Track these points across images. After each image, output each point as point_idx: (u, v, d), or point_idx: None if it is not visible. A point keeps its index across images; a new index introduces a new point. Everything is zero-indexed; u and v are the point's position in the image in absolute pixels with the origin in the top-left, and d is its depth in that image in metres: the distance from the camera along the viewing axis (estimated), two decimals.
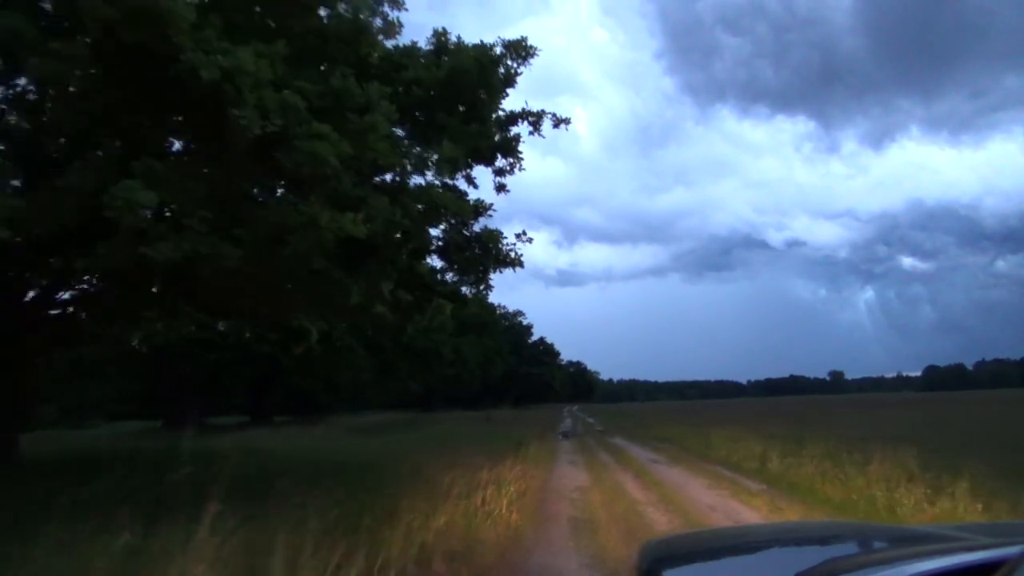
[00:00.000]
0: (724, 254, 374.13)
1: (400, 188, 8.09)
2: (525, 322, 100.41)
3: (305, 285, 7.72)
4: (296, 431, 25.74)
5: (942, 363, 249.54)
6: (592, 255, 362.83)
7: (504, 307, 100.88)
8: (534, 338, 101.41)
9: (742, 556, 1.83)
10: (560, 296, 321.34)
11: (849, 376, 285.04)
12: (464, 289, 12.40)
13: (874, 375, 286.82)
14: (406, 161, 8.13)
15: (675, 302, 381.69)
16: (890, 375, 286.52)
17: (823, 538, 1.95)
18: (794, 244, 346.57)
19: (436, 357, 35.34)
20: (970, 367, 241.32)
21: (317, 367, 35.56)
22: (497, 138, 10.55)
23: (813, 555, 1.53)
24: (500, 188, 11.37)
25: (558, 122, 11.02)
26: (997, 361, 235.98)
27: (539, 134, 11.09)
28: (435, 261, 11.92)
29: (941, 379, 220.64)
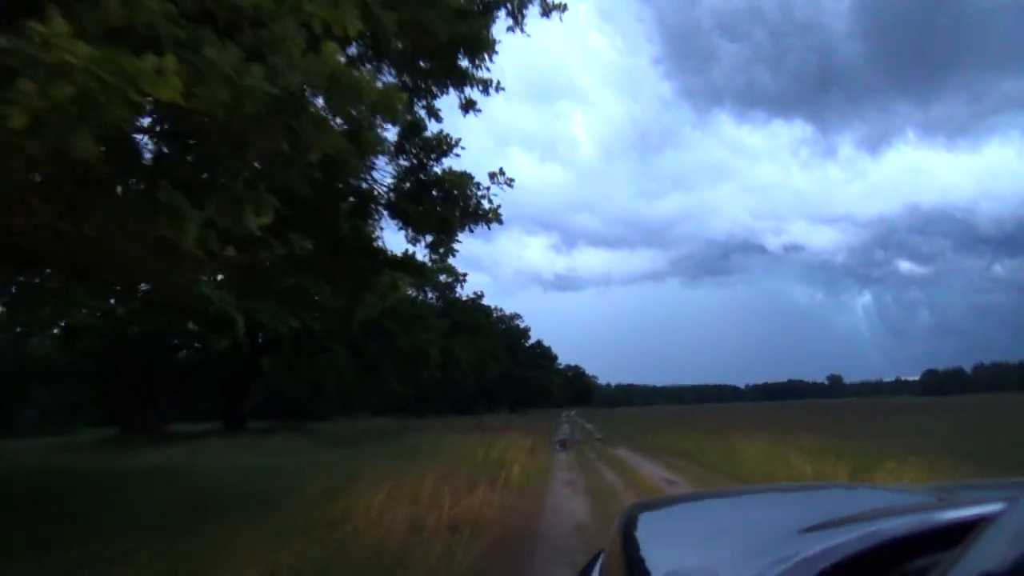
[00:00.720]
0: (722, 259, 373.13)
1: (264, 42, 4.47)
2: (522, 325, 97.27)
3: (99, 204, 4.25)
4: (262, 440, 22.31)
5: (940, 367, 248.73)
6: (591, 260, 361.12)
7: (501, 309, 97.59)
8: (531, 342, 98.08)
9: (721, 508, 1.78)
10: (559, 301, 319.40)
11: (847, 380, 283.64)
12: (421, 254, 8.92)
13: (872, 379, 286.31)
14: None
15: (673, 307, 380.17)
16: (888, 379, 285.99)
17: (805, 494, 1.85)
18: (792, 249, 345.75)
19: (423, 358, 31.79)
20: (969, 371, 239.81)
21: (296, 369, 32.18)
22: (464, 27, 7.13)
23: (796, 510, 1.45)
24: (468, 106, 7.96)
25: (548, 9, 7.61)
26: (996, 365, 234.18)
27: (521, 28, 7.70)
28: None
29: (940, 383, 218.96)
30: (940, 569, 0.74)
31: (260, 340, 30.14)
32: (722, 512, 1.72)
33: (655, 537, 1.47)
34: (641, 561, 1.30)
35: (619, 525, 1.54)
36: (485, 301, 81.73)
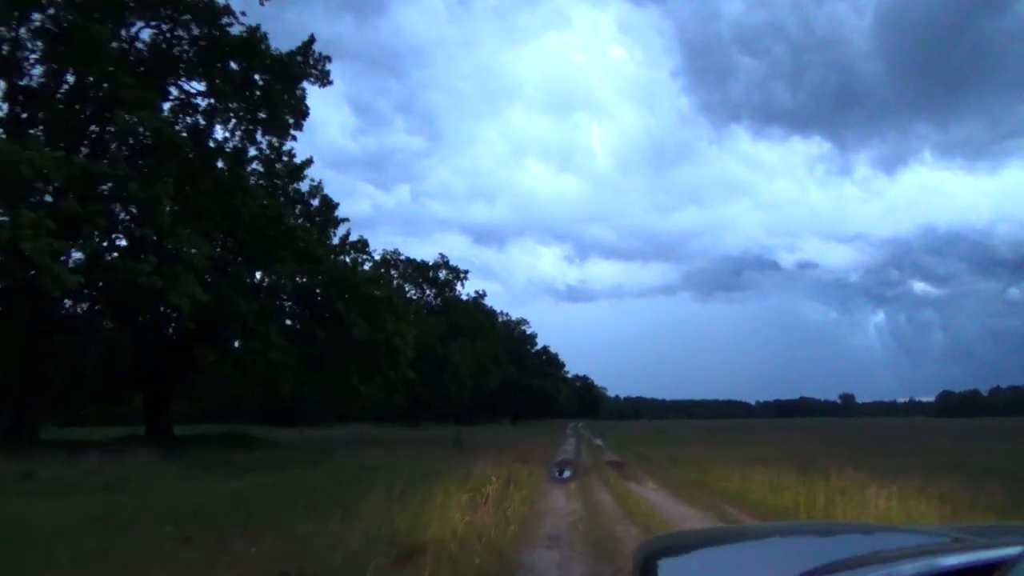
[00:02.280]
0: (735, 274, 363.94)
1: None
2: (528, 331, 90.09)
3: None
4: (162, 458, 15.47)
5: (953, 389, 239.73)
6: (603, 272, 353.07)
7: (506, 314, 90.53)
8: (538, 348, 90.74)
9: (740, 552, 1.71)
10: (569, 312, 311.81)
11: (860, 400, 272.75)
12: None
13: (885, 399, 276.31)
14: None
15: (684, 321, 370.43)
16: (902, 399, 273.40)
17: (822, 537, 1.85)
18: (806, 266, 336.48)
19: (389, 353, 24.81)
20: (985, 393, 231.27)
21: (242, 362, 25.26)
22: None
23: (812, 553, 1.41)
24: None
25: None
26: (1013, 388, 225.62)
27: None
28: None
29: (956, 405, 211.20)
30: None
31: (192, 324, 23.25)
32: (736, 553, 1.67)
33: (670, 570, 1.48)
34: None
35: (637, 559, 1.54)
36: (494, 307, 74.68)
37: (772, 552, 1.60)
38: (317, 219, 26.79)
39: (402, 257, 66.81)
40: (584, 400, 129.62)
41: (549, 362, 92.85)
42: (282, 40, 27.54)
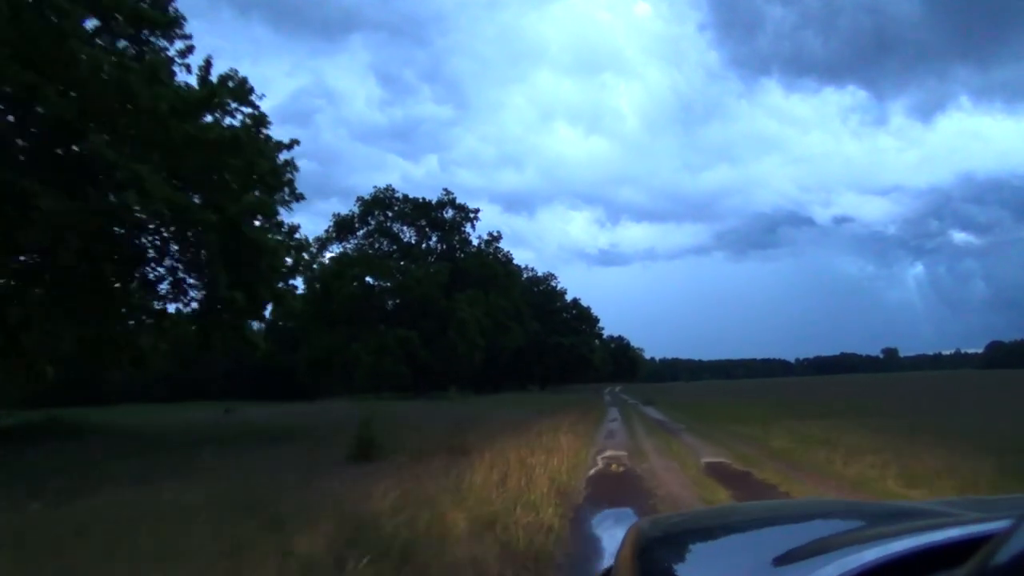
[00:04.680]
0: (769, 232, 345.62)
1: None
2: (558, 287, 76.19)
3: None
4: None
5: (1003, 339, 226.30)
6: (635, 234, 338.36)
7: (532, 269, 76.79)
8: (567, 302, 76.40)
9: (727, 535, 1.65)
10: (603, 276, 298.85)
11: (903, 353, 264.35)
12: None
13: (929, 352, 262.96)
14: None
15: (719, 281, 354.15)
16: (947, 352, 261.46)
17: (809, 516, 1.74)
18: (842, 221, 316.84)
19: (271, 258, 11.88)
20: None
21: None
22: None
23: (800, 533, 1.36)
24: None
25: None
26: None
27: None
28: None
29: (1006, 355, 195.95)
30: None
31: None
32: (725, 532, 1.66)
33: (667, 555, 1.47)
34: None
35: (629, 540, 1.55)
36: (516, 259, 60.81)
37: (762, 530, 1.56)
38: None
39: (398, 194, 53.71)
40: (619, 362, 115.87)
41: (580, 317, 78.21)
42: None
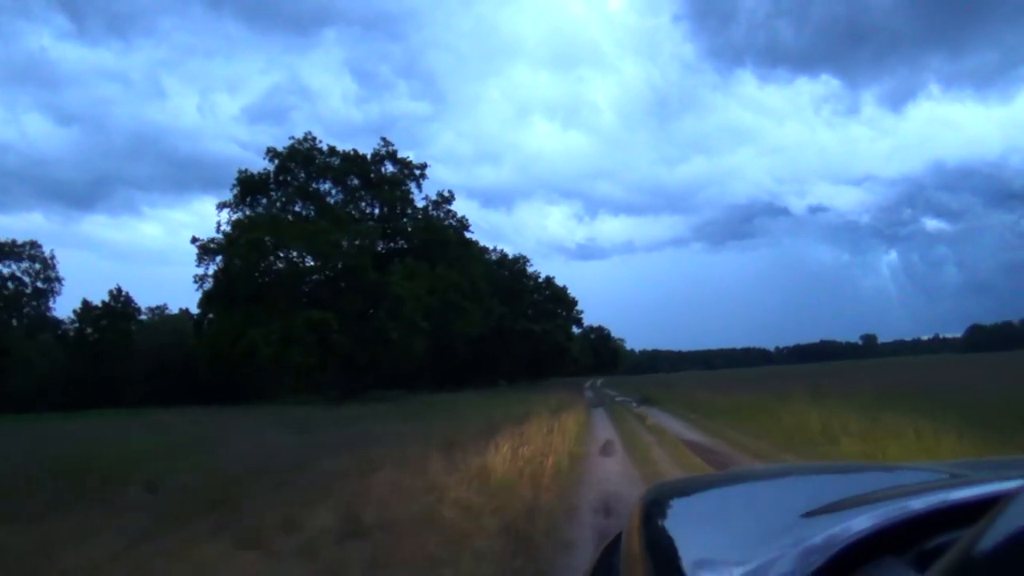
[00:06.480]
0: (745, 222, 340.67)
1: None
2: (530, 269, 64.85)
3: None
4: None
5: (983, 322, 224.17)
6: (613, 228, 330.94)
7: (501, 250, 65.54)
8: (539, 281, 64.66)
9: (741, 494, 1.62)
10: (581, 270, 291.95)
11: (882, 340, 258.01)
12: None
13: (907, 338, 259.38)
14: None
15: (697, 272, 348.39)
16: (926, 337, 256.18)
17: (820, 475, 1.76)
18: (816, 210, 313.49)
19: None
20: (1017, 323, 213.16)
21: None
22: None
23: (814, 493, 1.33)
24: None
25: None
26: None
27: None
28: None
29: (987, 339, 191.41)
30: (957, 547, 0.72)
31: None
32: (737, 495, 1.64)
33: (676, 519, 1.43)
34: (661, 541, 1.30)
35: (640, 505, 1.53)
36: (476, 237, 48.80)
37: (773, 493, 1.52)
38: None
39: (322, 145, 42.00)
40: (600, 354, 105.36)
41: (556, 299, 66.16)
42: None
